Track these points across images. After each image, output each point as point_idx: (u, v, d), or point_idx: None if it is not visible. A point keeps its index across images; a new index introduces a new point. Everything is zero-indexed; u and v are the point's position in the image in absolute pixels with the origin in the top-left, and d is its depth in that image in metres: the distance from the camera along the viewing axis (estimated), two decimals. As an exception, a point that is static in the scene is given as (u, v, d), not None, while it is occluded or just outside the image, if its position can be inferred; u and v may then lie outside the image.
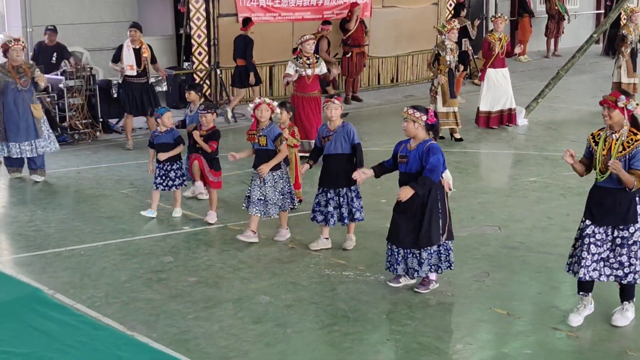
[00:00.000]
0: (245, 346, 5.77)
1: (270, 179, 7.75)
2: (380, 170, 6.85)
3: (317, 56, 10.86)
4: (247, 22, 13.87)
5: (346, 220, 7.59)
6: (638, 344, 5.74)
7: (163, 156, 8.55)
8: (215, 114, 8.62)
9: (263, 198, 7.77)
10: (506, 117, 13.15)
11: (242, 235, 7.91)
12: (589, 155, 6.00)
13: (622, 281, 5.92)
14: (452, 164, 10.83)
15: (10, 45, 10.09)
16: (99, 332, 2.47)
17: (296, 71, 10.54)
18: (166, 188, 8.69)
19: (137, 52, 11.85)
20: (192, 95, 9.45)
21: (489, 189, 9.88)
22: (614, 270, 5.87)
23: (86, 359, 2.24)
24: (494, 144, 12.35)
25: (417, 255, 6.52)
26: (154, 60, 12.18)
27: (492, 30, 13.26)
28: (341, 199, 7.53)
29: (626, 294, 6.03)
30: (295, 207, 8.17)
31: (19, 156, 10.26)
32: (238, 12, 14.91)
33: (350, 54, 15.41)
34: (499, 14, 14.21)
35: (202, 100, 9.67)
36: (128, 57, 11.79)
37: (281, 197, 7.83)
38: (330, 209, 7.53)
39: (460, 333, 6.04)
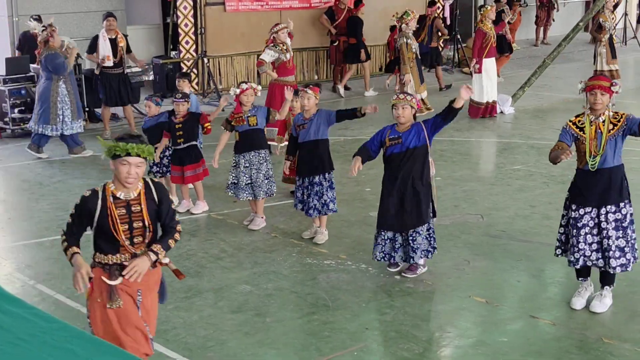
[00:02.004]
0: (224, 335, 5.78)
1: (257, 160, 7.79)
2: (365, 155, 6.75)
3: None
4: (358, 3, 14.78)
5: (311, 212, 7.52)
6: (614, 331, 5.77)
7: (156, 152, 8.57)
8: (189, 103, 8.55)
9: (250, 181, 7.80)
10: (489, 109, 13.16)
11: (252, 224, 7.98)
12: (566, 137, 5.96)
13: (625, 269, 5.92)
14: (437, 152, 10.85)
15: (54, 28, 10.75)
16: (51, 324, 2.48)
17: (277, 57, 10.56)
18: (160, 175, 8.74)
19: (113, 42, 11.80)
20: (184, 84, 9.37)
21: (474, 178, 9.90)
22: (617, 260, 5.84)
23: (36, 352, 2.24)
24: (480, 132, 12.37)
25: (412, 241, 6.55)
26: (129, 50, 12.15)
27: (482, 19, 13.23)
28: (312, 188, 7.50)
29: (607, 278, 6.06)
30: (274, 192, 8.16)
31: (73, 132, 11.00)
32: (225, 1, 14.91)
33: (337, 42, 15.39)
34: (491, 4, 14.25)
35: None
36: (104, 47, 11.74)
37: (266, 180, 7.86)
38: (305, 197, 7.55)
39: (439, 321, 6.06)
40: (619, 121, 5.79)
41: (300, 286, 6.68)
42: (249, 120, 7.80)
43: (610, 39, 14.88)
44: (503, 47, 16.21)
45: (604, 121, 5.81)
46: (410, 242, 6.58)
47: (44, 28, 10.84)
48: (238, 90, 7.83)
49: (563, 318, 5.98)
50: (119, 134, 4.44)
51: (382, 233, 6.67)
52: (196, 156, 8.49)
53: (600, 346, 5.56)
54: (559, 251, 6.18)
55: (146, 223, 4.46)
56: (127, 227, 4.43)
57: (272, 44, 10.72)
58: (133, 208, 4.44)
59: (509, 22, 16.56)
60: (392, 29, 14.90)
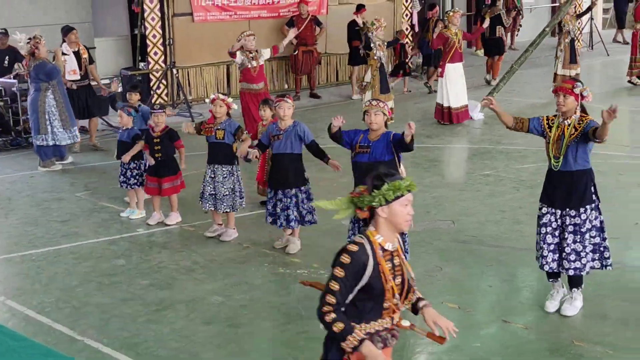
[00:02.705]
0: (196, 348, 5.75)
1: (220, 174, 7.78)
2: (338, 139, 6.71)
3: (257, 49, 10.85)
4: (360, 7, 14.88)
5: (293, 224, 7.46)
6: (585, 334, 5.82)
7: (126, 157, 8.54)
8: (166, 113, 8.55)
9: (214, 193, 7.78)
10: (461, 114, 13.23)
11: (225, 235, 7.98)
12: (536, 126, 6.05)
13: (579, 272, 5.98)
14: (407, 159, 10.79)
15: (38, 40, 10.67)
16: (20, 343, 2.45)
17: (242, 61, 10.56)
18: (125, 186, 8.72)
19: (77, 55, 11.73)
20: (134, 97, 9.34)
21: (444, 184, 9.94)
22: (571, 263, 5.92)
23: (0, 371, 2.22)
24: (450, 138, 12.43)
25: None
26: (91, 61, 12.09)
27: (447, 25, 13.35)
28: (289, 200, 7.43)
29: (574, 280, 6.12)
30: (243, 206, 8.13)
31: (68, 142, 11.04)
32: (193, 12, 14.85)
33: (297, 51, 15.42)
34: (456, 9, 14.36)
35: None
36: (70, 61, 11.65)
37: (233, 194, 7.83)
38: (278, 210, 7.47)
39: (412, 328, 6.06)
40: (581, 126, 5.86)
41: (274, 296, 6.67)
42: (217, 133, 7.80)
43: (572, 43, 15.07)
44: (500, 50, 16.94)
45: (569, 124, 5.89)
46: None
47: (28, 40, 10.79)
48: (209, 101, 7.89)
49: (535, 322, 6.02)
50: (375, 173, 3.80)
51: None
52: (174, 168, 8.47)
53: (572, 349, 5.61)
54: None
55: (406, 277, 3.85)
56: (398, 282, 3.80)
57: (240, 51, 10.72)
58: (395, 261, 3.81)
59: (504, 27, 17.10)
60: (397, 41, 15.00)
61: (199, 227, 8.36)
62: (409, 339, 5.85)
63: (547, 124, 6.03)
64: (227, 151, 7.85)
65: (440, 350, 5.67)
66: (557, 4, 22.96)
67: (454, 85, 13.11)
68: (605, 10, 26.41)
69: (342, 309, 3.64)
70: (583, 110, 5.99)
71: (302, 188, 7.45)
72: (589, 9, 16.97)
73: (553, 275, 6.16)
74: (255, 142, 7.84)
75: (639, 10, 16.16)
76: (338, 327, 3.58)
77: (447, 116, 13.14)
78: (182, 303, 6.52)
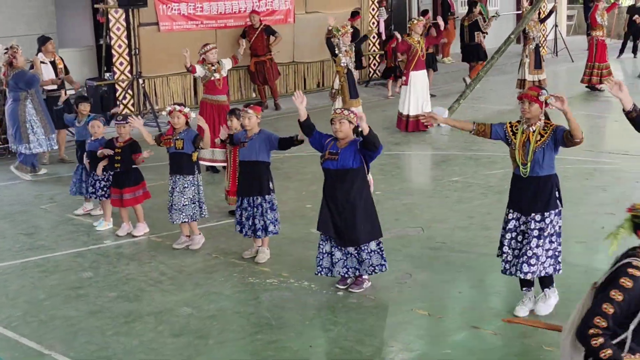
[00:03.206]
0: (166, 360, 5.69)
1: (181, 184, 7.74)
2: (310, 128, 6.69)
3: (219, 60, 10.78)
4: (354, 14, 15.31)
5: (259, 233, 7.44)
6: (554, 339, 5.80)
7: (99, 169, 8.50)
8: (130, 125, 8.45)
9: (171, 204, 7.81)
10: (414, 123, 13.19)
11: (193, 244, 7.96)
12: (498, 131, 6.09)
13: (534, 276, 6.03)
14: (376, 167, 10.87)
15: (16, 49, 10.87)
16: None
17: (204, 74, 10.51)
18: (93, 196, 8.73)
19: (53, 65, 11.63)
20: (85, 107, 9.28)
21: (413, 191, 9.97)
22: (531, 267, 5.97)
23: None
24: (418, 145, 12.48)
25: (356, 254, 6.57)
26: (67, 71, 11.99)
27: (410, 33, 13.38)
28: (255, 210, 7.41)
29: (545, 281, 6.17)
30: (205, 215, 8.08)
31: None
32: (159, 21, 14.79)
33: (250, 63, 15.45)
34: (419, 17, 14.44)
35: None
36: (47, 71, 11.55)
37: (192, 205, 7.80)
38: (243, 219, 7.46)
39: (383, 336, 6.07)
40: (547, 132, 5.91)
41: (243, 306, 6.63)
42: (176, 143, 7.79)
43: (537, 49, 15.23)
44: (479, 55, 17.13)
45: (534, 131, 5.94)
46: (356, 256, 6.61)
47: (5, 51, 10.74)
48: (166, 112, 7.90)
49: (504, 327, 6.03)
50: None
51: (321, 245, 6.67)
52: (136, 179, 8.40)
53: (541, 354, 5.63)
54: (499, 252, 6.27)
55: None
56: None
57: (201, 65, 10.63)
58: None
59: (482, 32, 17.32)
60: (391, 37, 15.04)
61: (167, 237, 8.29)
62: (378, 347, 5.84)
63: (511, 130, 6.07)
64: (187, 161, 7.83)
65: (410, 358, 5.68)
66: (521, 12, 23.20)
67: (418, 93, 13.14)
68: (570, 17, 26.75)
69: (610, 333, 3.43)
70: (546, 117, 6.05)
71: (267, 197, 7.41)
72: (551, 12, 17.13)
73: (527, 284, 6.18)
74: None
75: (594, 17, 16.34)
76: (606, 353, 3.40)
77: (411, 125, 13.11)
78: (150, 315, 6.45)
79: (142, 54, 14.53)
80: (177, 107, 7.82)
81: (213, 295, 6.85)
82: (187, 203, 7.79)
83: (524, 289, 6.23)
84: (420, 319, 6.27)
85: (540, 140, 5.91)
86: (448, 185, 10.00)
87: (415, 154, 12.05)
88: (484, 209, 8.87)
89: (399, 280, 7.00)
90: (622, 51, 21.16)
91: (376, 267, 6.65)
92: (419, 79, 13.13)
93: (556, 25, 21.77)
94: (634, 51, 21.14)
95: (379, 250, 6.66)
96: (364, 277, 6.76)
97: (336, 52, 12.18)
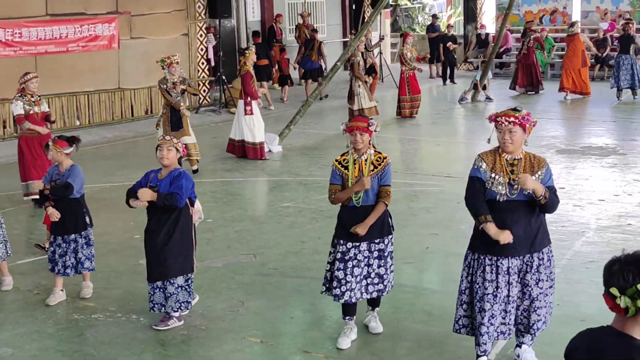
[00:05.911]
0: (-19, 407, 5.30)
1: None
2: (134, 196, 6.46)
3: (38, 95, 10.33)
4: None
5: (70, 271, 7.08)
6: (382, 357, 5.93)
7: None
8: None
9: None
10: (261, 150, 13.19)
11: (3, 285, 7.50)
12: (340, 182, 6.09)
13: (382, 293, 6.09)
14: (208, 194, 10.79)
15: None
16: None
17: (24, 109, 10.02)
18: None
19: None
20: None
21: (246, 217, 9.91)
22: (375, 286, 6.02)
23: None
24: (250, 171, 12.45)
25: (163, 289, 6.38)
26: None
27: (244, 63, 13.33)
28: (67, 246, 7.07)
29: (376, 301, 6.25)
30: (9, 254, 7.54)
31: None
32: (-24, 46, 14.02)
33: None
34: (252, 49, 14.45)
35: None
36: None
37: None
38: (57, 257, 7.11)
39: (215, 366, 5.94)
40: (380, 164, 5.99)
41: (67, 344, 6.30)
42: None
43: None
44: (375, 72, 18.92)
45: (366, 160, 6.00)
46: (160, 290, 6.43)
47: None
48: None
49: (335, 350, 6.05)
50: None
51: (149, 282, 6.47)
52: None
53: (373, 374, 5.69)
54: (323, 288, 6.24)
55: None
56: None
57: (19, 94, 10.12)
58: None
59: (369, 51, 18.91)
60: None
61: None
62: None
63: (342, 166, 6.07)
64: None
65: (243, 387, 5.58)
66: (347, 39, 23.84)
67: (259, 121, 13.14)
68: (393, 45, 27.77)
69: None
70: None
71: (82, 233, 7.11)
72: (379, 41, 17.68)
73: (350, 312, 6.16)
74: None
75: (401, 56, 17.10)
76: None
77: (249, 151, 13.06)
78: (-36, 359, 6.01)
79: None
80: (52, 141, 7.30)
81: (35, 333, 6.47)
82: None
83: (347, 317, 6.17)
84: (252, 346, 6.18)
85: (374, 170, 5.98)
86: (280, 211, 10.02)
87: (247, 180, 12.00)
88: (315, 233, 8.94)
89: (231, 309, 6.89)
90: (444, 79, 22.55)
91: (182, 304, 6.46)
92: (257, 108, 13.14)
93: (381, 53, 22.51)
94: (451, 77, 22.53)
95: (186, 286, 6.48)
96: (172, 313, 6.50)
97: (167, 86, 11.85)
